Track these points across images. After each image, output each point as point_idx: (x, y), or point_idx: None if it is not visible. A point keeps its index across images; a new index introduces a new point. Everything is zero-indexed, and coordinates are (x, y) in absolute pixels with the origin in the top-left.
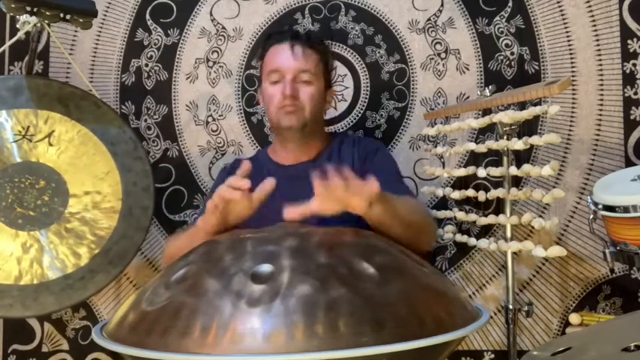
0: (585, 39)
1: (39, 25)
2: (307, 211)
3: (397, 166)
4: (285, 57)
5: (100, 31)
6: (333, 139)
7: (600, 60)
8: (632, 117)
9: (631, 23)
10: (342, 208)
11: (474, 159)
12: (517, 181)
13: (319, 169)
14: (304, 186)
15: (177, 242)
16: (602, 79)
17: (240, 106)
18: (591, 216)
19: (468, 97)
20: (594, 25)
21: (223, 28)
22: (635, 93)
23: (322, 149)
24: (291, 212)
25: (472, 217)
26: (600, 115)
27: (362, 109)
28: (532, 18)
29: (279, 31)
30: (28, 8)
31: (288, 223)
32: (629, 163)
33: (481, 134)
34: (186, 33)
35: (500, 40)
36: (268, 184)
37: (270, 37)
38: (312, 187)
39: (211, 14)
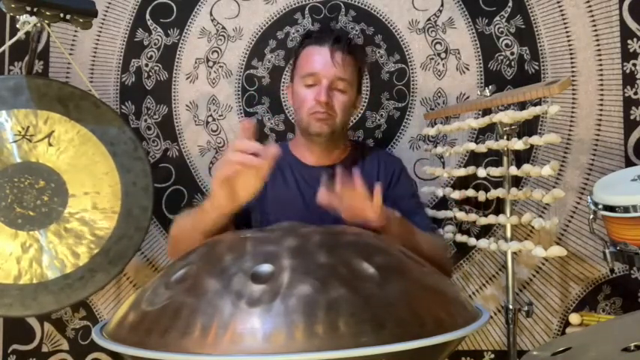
0: (585, 39)
1: (39, 25)
2: (336, 204)
3: (417, 190)
4: (324, 62)
5: (100, 31)
6: (354, 146)
7: (600, 60)
8: (632, 117)
9: (631, 23)
10: (361, 219)
11: (474, 159)
12: (517, 181)
13: (347, 171)
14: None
15: (185, 222)
16: (602, 79)
17: (240, 106)
18: (591, 216)
19: (468, 97)
20: (594, 25)
21: (223, 28)
22: (635, 93)
23: (344, 155)
24: (324, 196)
25: (472, 217)
26: (600, 115)
27: (362, 109)
28: (532, 18)
29: (320, 29)
30: (28, 8)
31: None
32: (629, 163)
33: (481, 134)
34: (186, 33)
35: (500, 40)
36: (273, 148)
37: (310, 36)
38: (331, 191)
39: (211, 14)
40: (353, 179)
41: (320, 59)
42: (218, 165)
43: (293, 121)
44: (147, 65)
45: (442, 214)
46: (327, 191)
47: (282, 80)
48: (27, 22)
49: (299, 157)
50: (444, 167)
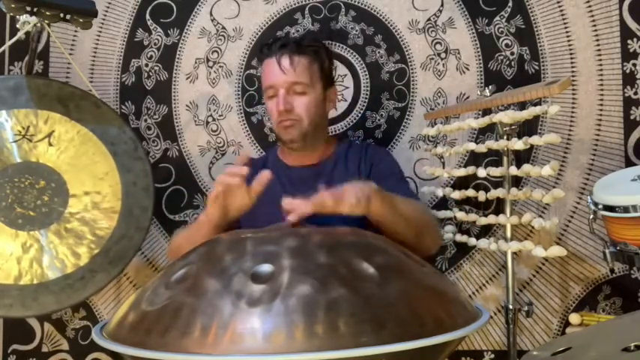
0: (585, 39)
1: (39, 25)
2: (304, 210)
3: (402, 171)
4: (274, 72)
5: (100, 31)
6: (338, 143)
7: (600, 60)
8: (632, 117)
9: (631, 23)
10: (336, 211)
11: (474, 159)
12: (517, 181)
13: (324, 179)
14: (309, 188)
15: (181, 237)
16: (602, 79)
17: (240, 106)
18: (591, 216)
19: (468, 97)
20: (594, 25)
21: (223, 28)
22: (635, 93)
23: (327, 152)
24: (289, 206)
25: (472, 217)
26: (600, 115)
27: (362, 109)
28: (532, 18)
29: (268, 42)
30: (28, 8)
31: (288, 223)
32: (629, 163)
33: (481, 134)
34: (186, 33)
35: (500, 40)
36: (264, 176)
37: (261, 50)
38: (316, 190)
39: (211, 14)
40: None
41: (271, 70)
42: (215, 185)
43: None
44: (147, 65)
45: (442, 214)
46: (288, 202)
47: None
48: (27, 22)
49: (283, 160)
50: (444, 167)
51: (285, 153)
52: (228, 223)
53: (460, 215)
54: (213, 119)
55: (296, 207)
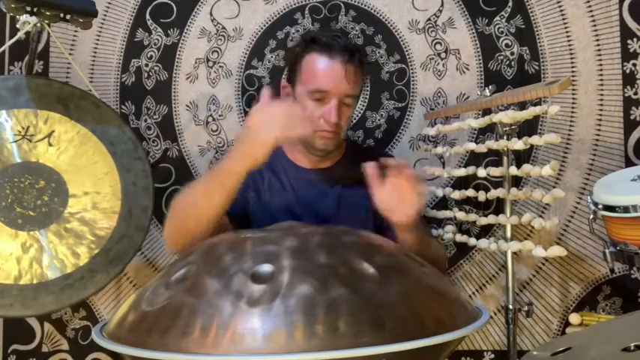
0: (585, 39)
1: (39, 25)
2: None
3: None
4: (336, 78)
5: (100, 31)
6: (347, 146)
7: (600, 60)
8: (632, 117)
9: (631, 23)
10: (396, 206)
11: (474, 159)
12: (517, 181)
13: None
14: (320, 191)
15: (192, 194)
16: (602, 79)
17: (240, 106)
18: (591, 216)
19: (468, 97)
20: (594, 25)
21: (223, 28)
22: (635, 93)
23: (338, 156)
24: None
25: (472, 217)
26: (600, 115)
27: (362, 109)
28: (532, 18)
29: (330, 36)
30: (28, 8)
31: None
32: (629, 163)
33: (481, 134)
34: (186, 33)
35: (500, 40)
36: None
37: (316, 41)
38: (327, 193)
39: (211, 14)
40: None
41: (331, 75)
42: (286, 121)
43: None
44: (147, 65)
45: (442, 214)
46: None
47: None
48: (27, 22)
49: (294, 161)
50: (444, 167)
51: (296, 155)
52: (255, 166)
53: (460, 215)
54: (213, 119)
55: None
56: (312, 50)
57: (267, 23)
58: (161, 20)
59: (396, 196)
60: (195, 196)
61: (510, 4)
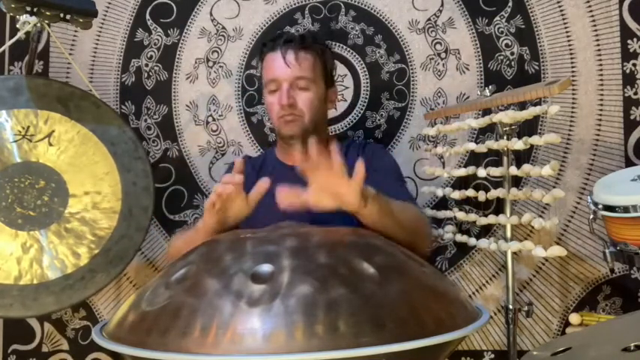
0: (585, 39)
1: (39, 25)
2: (301, 200)
3: (399, 169)
4: (278, 65)
5: (100, 31)
6: (338, 143)
7: (600, 60)
8: (632, 117)
9: (631, 23)
10: (335, 203)
11: (474, 159)
12: (517, 181)
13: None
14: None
15: (179, 242)
16: (602, 79)
17: (240, 106)
18: (591, 216)
19: (468, 97)
20: (594, 25)
21: (223, 28)
22: (635, 93)
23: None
24: (284, 196)
25: (472, 217)
26: (600, 115)
27: (362, 109)
28: (532, 18)
29: (272, 37)
30: (28, 8)
31: (288, 223)
32: (629, 163)
33: (481, 134)
34: (186, 33)
35: (500, 40)
36: (264, 183)
37: (265, 45)
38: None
39: (211, 14)
40: (330, 154)
41: (275, 64)
42: (211, 195)
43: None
44: (147, 65)
45: (442, 214)
46: (283, 193)
47: None
48: (27, 22)
49: (281, 160)
50: (443, 167)
51: (285, 153)
52: (225, 229)
53: (460, 215)
54: (213, 119)
55: (291, 197)
56: (263, 53)
57: (267, 23)
58: (161, 20)
59: (326, 194)
60: (181, 246)
61: (510, 4)
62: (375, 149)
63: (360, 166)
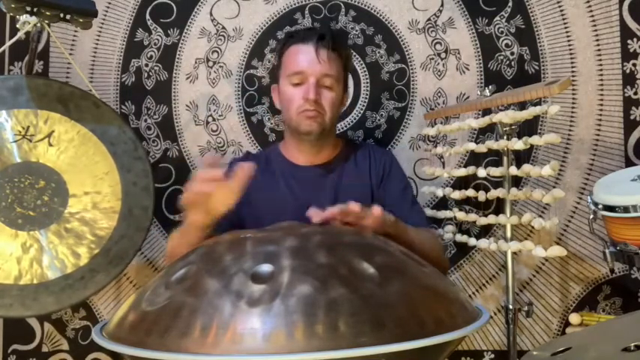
0: (585, 39)
1: (39, 25)
2: (330, 214)
3: (407, 180)
4: (310, 59)
5: (100, 31)
6: (346, 143)
7: (600, 60)
8: (632, 117)
9: (631, 23)
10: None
11: (474, 159)
12: (517, 181)
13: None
14: (317, 187)
15: (174, 241)
16: (602, 79)
17: (240, 106)
18: (591, 216)
19: (468, 97)
20: (594, 25)
21: (223, 28)
22: (635, 93)
23: (335, 153)
24: (315, 216)
25: (472, 217)
26: (600, 115)
27: (362, 109)
28: (532, 18)
29: (304, 29)
30: (28, 8)
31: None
32: (629, 163)
33: (481, 134)
34: (186, 33)
35: (500, 40)
36: (246, 168)
37: (293, 35)
38: (324, 189)
39: (211, 14)
40: (348, 209)
41: (305, 57)
42: (184, 193)
43: (281, 122)
44: (147, 65)
45: (442, 214)
46: (314, 212)
47: None
48: (27, 22)
49: (289, 158)
50: (443, 167)
51: (292, 151)
52: (215, 221)
53: (460, 215)
54: (213, 119)
55: (321, 215)
56: (289, 43)
57: (267, 23)
58: (161, 20)
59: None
60: (176, 243)
61: (510, 4)
62: (382, 158)
63: (377, 210)
